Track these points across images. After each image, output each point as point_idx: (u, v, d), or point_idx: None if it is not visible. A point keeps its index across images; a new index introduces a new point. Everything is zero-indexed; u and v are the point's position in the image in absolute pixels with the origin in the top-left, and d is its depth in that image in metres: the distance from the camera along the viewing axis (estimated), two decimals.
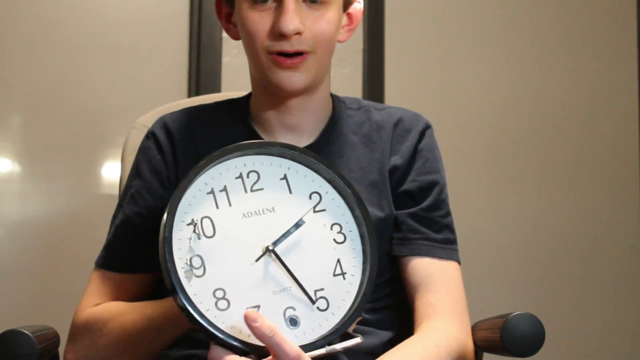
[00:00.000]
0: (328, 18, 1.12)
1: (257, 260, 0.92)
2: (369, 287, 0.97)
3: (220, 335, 0.87)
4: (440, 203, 1.22)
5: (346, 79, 2.36)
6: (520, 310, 1.09)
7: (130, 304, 1.14)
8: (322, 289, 0.95)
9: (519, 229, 2.52)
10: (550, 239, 2.53)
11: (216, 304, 0.88)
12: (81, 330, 1.16)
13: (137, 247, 1.17)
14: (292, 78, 1.12)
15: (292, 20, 1.08)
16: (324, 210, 0.98)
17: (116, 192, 1.48)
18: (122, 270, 1.19)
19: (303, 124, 1.21)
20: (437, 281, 1.16)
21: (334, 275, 0.96)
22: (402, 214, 1.20)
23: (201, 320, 0.87)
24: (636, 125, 2.64)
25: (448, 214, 1.23)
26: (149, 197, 1.18)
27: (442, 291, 1.16)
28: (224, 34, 2.28)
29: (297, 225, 0.95)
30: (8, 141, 2.15)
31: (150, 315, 1.09)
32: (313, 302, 0.93)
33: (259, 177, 0.95)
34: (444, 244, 1.20)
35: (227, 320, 0.88)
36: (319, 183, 0.99)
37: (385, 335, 1.18)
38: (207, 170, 0.94)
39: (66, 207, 2.15)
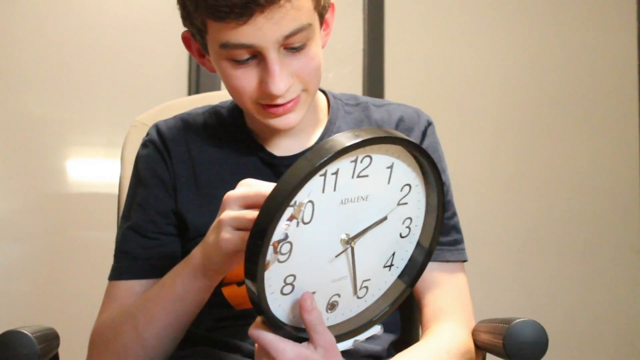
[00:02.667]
0: (313, 55, 1.05)
1: (337, 256, 0.88)
2: (398, 286, 0.95)
3: (272, 314, 0.85)
4: (447, 204, 1.20)
5: (346, 79, 2.36)
6: (520, 311, 1.08)
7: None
8: (369, 279, 0.93)
9: (519, 229, 2.52)
10: (550, 239, 2.53)
11: (282, 288, 0.86)
12: (96, 340, 1.14)
13: (149, 253, 1.16)
14: (287, 120, 1.08)
15: (280, 81, 1.01)
16: (406, 203, 0.93)
17: (116, 191, 1.48)
18: (135, 277, 1.15)
19: (300, 129, 1.18)
20: (445, 285, 1.16)
21: (384, 266, 0.94)
22: None
23: (262, 301, 0.84)
24: (636, 126, 2.64)
25: (454, 214, 1.22)
26: (156, 203, 1.17)
27: (450, 295, 1.16)
28: None
29: (380, 222, 0.90)
30: (7, 139, 2.15)
31: (146, 296, 1.07)
32: (355, 293, 0.92)
33: (370, 163, 0.87)
34: (451, 245, 1.19)
35: (283, 303, 0.86)
36: (415, 175, 0.92)
37: (389, 338, 1.17)
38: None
39: (65, 206, 2.14)
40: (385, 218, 0.90)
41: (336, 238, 0.88)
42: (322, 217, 0.85)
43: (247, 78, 1.04)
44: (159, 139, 1.20)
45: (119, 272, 1.17)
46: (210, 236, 0.95)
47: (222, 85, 2.26)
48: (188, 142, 1.20)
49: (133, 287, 1.15)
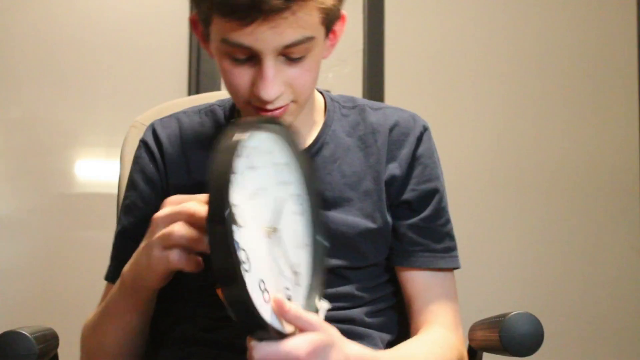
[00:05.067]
0: (309, 68, 1.05)
1: (272, 241, 0.90)
2: (321, 260, 0.97)
3: (275, 326, 0.85)
4: (440, 211, 1.20)
5: (346, 79, 2.36)
6: (519, 310, 1.08)
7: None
8: (299, 264, 0.95)
9: (519, 229, 2.52)
10: (550, 239, 2.53)
11: (263, 296, 0.86)
12: (81, 343, 1.17)
13: None
14: None
15: (272, 87, 1.01)
16: (291, 183, 0.96)
17: (115, 191, 1.48)
18: None
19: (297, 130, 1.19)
20: (437, 292, 1.17)
21: (297, 247, 0.95)
22: (402, 225, 1.18)
23: (261, 314, 0.83)
24: (636, 126, 2.64)
25: (448, 221, 1.21)
26: (144, 207, 1.17)
27: (442, 302, 1.16)
28: None
29: (284, 200, 0.93)
30: (8, 139, 2.15)
31: (100, 310, 1.10)
32: (295, 278, 0.93)
33: (256, 155, 0.91)
34: (444, 253, 1.19)
35: (268, 311, 0.86)
36: (289, 155, 0.97)
37: (385, 338, 1.17)
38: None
39: (65, 206, 2.15)
40: (285, 200, 0.93)
41: (264, 231, 0.89)
42: (247, 216, 0.87)
43: (242, 77, 1.04)
44: (153, 139, 1.21)
45: (109, 274, 1.20)
46: (141, 258, 0.97)
47: (222, 86, 2.26)
48: (183, 142, 1.20)
49: None
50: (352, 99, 1.26)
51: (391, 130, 1.21)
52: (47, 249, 2.12)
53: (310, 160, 0.99)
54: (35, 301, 2.10)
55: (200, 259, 0.92)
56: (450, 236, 1.21)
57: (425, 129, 1.23)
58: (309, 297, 0.94)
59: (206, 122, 1.23)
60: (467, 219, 2.43)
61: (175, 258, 0.92)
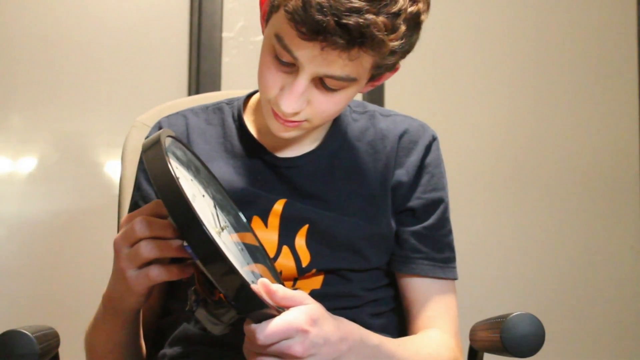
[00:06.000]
0: (338, 102, 1.06)
1: (234, 242, 0.94)
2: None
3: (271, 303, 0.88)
4: (444, 221, 1.21)
5: None
6: (520, 310, 1.09)
7: None
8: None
9: (519, 229, 2.52)
10: (550, 239, 2.53)
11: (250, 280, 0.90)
12: (84, 344, 1.18)
13: None
14: (285, 132, 1.09)
15: (293, 102, 1.02)
16: (209, 185, 1.03)
17: (116, 192, 1.48)
18: None
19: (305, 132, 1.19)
20: (436, 300, 1.18)
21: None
22: (405, 231, 1.19)
23: (259, 295, 0.85)
24: (636, 126, 2.64)
25: (450, 232, 1.22)
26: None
27: (440, 310, 1.18)
28: (224, 34, 2.28)
29: (209, 204, 0.97)
30: (8, 141, 2.15)
31: (92, 322, 1.12)
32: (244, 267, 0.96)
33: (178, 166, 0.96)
34: (444, 263, 1.20)
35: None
36: (194, 161, 1.03)
37: None
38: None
39: (66, 207, 2.15)
40: (203, 196, 0.98)
41: (217, 235, 0.91)
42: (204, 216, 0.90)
43: (274, 78, 1.04)
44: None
45: None
46: (117, 284, 0.98)
47: (222, 86, 2.26)
48: (189, 139, 1.20)
49: None
50: (362, 104, 1.27)
51: (401, 137, 1.22)
52: (48, 249, 2.12)
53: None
54: (36, 301, 2.10)
55: (177, 266, 0.93)
56: (450, 248, 1.22)
57: (434, 139, 1.24)
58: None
59: (213, 119, 1.23)
60: (468, 220, 2.43)
61: (155, 273, 0.92)
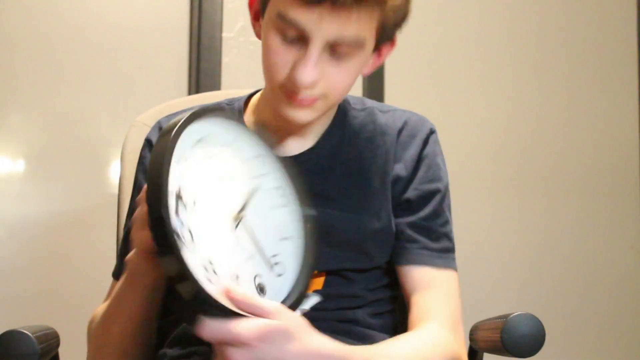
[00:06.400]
0: (349, 70, 1.07)
1: (236, 227, 0.90)
2: (310, 251, 0.96)
3: (224, 305, 0.84)
4: (440, 211, 1.20)
5: None
6: (520, 310, 1.08)
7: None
8: (277, 255, 0.94)
9: (520, 230, 2.52)
10: (550, 239, 2.53)
11: (207, 277, 0.85)
12: (88, 337, 1.17)
13: None
14: (298, 114, 1.08)
15: (310, 73, 1.02)
16: (268, 173, 0.97)
17: (116, 191, 1.48)
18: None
19: (307, 127, 1.18)
20: (434, 289, 1.16)
21: (281, 239, 0.95)
22: (401, 222, 1.19)
23: (200, 286, 0.83)
24: (636, 126, 2.64)
25: (447, 222, 1.21)
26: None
27: (439, 299, 1.15)
28: (224, 34, 2.28)
29: (253, 193, 0.93)
30: (8, 141, 2.14)
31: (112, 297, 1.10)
32: (271, 268, 0.93)
33: (215, 141, 0.93)
34: (441, 252, 1.18)
35: (214, 290, 0.85)
36: (262, 147, 0.98)
37: (384, 339, 1.17)
38: (185, 130, 0.89)
39: (66, 207, 2.14)
40: (256, 189, 0.94)
41: (228, 217, 0.90)
42: (204, 199, 0.88)
43: (285, 56, 1.04)
44: (156, 136, 1.21)
45: (115, 271, 1.21)
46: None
47: (222, 86, 2.26)
48: None
49: None
50: (361, 101, 1.27)
51: (400, 132, 1.22)
52: (48, 249, 2.12)
53: (284, 156, 1.01)
54: (36, 301, 2.10)
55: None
56: (448, 237, 1.21)
57: (432, 132, 1.24)
58: (294, 289, 0.93)
59: None
60: (468, 219, 2.43)
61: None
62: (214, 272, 0.86)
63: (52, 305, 2.09)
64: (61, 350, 1.17)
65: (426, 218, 1.19)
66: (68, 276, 2.11)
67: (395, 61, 2.45)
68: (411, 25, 2.53)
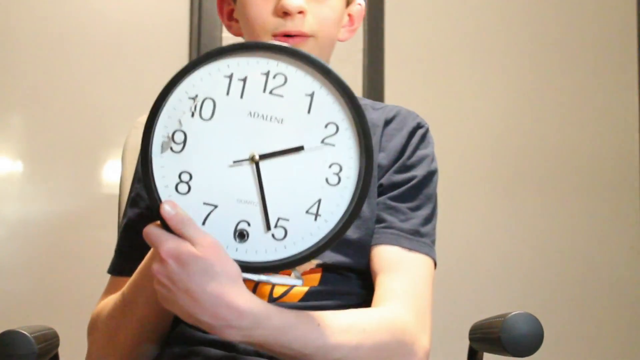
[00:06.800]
0: (332, 5, 1.13)
1: (235, 162, 0.86)
2: (334, 239, 0.89)
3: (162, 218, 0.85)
4: (413, 195, 1.16)
5: (346, 79, 2.36)
6: (519, 310, 1.08)
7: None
8: (287, 220, 0.88)
9: (519, 229, 2.51)
10: (550, 239, 2.53)
11: (177, 185, 0.85)
12: (88, 333, 1.16)
13: (143, 249, 1.16)
14: None
15: None
16: (333, 145, 0.89)
17: (117, 192, 1.48)
18: (130, 273, 1.13)
19: None
20: (400, 270, 1.10)
21: (307, 212, 0.89)
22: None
23: (154, 192, 0.84)
24: (636, 126, 2.64)
25: (420, 207, 1.16)
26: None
27: (405, 281, 1.09)
28: (224, 34, 2.28)
29: (296, 149, 0.87)
30: (8, 141, 2.15)
31: (123, 291, 1.08)
32: (269, 228, 0.88)
33: (285, 82, 0.87)
34: (411, 234, 1.13)
35: (179, 203, 0.85)
36: (343, 115, 0.89)
37: None
38: (236, 55, 0.86)
39: (67, 207, 2.15)
40: (301, 148, 0.87)
41: (242, 151, 0.86)
42: (225, 120, 0.85)
43: (265, 4, 1.10)
44: None
45: (112, 267, 1.21)
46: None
47: None
48: None
49: (120, 282, 1.15)
50: None
51: (387, 123, 1.21)
52: (48, 249, 2.12)
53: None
54: (35, 300, 2.10)
55: None
56: (421, 222, 1.15)
57: (420, 126, 1.22)
58: (282, 262, 0.89)
59: None
60: (467, 219, 2.43)
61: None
62: (188, 185, 0.85)
63: (52, 305, 2.09)
64: (61, 350, 1.17)
65: (394, 198, 1.16)
66: (68, 276, 2.11)
67: (395, 61, 2.45)
68: (411, 25, 2.53)
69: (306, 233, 0.89)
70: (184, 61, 2.26)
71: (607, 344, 2.54)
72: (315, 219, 0.89)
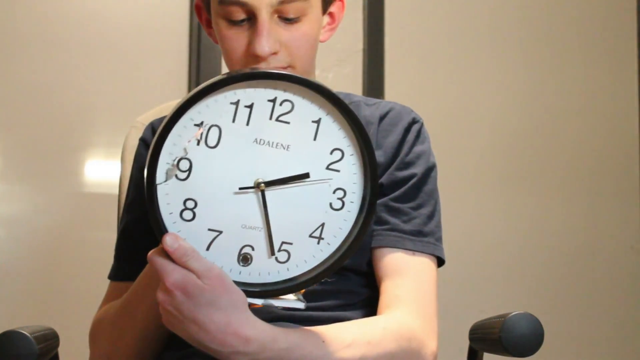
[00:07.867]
0: (304, 32, 1.08)
1: (241, 189, 0.87)
2: (337, 262, 0.91)
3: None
4: (414, 194, 1.16)
5: (346, 79, 2.36)
6: (520, 310, 1.08)
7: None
8: (291, 243, 0.90)
9: (520, 229, 2.52)
10: (550, 239, 2.53)
11: (182, 212, 0.86)
12: (90, 339, 1.16)
13: (141, 254, 1.16)
14: None
15: (266, 42, 1.04)
16: (337, 171, 0.90)
17: (116, 192, 1.48)
18: (129, 278, 1.15)
19: None
20: (404, 275, 1.10)
21: (310, 236, 0.90)
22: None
23: (158, 221, 0.85)
24: (636, 126, 2.64)
25: (422, 206, 1.16)
26: (142, 203, 1.17)
27: (410, 285, 1.09)
28: None
29: (302, 176, 0.88)
30: (7, 141, 2.15)
31: (125, 299, 1.08)
32: (273, 253, 0.89)
33: (292, 109, 0.87)
34: (414, 235, 1.13)
35: (184, 230, 0.86)
36: (348, 142, 0.90)
37: None
38: (242, 83, 0.86)
39: (66, 207, 2.15)
40: (307, 175, 0.88)
41: (247, 178, 0.87)
42: (230, 147, 0.86)
43: (238, 39, 1.06)
44: (151, 136, 1.21)
45: (112, 273, 1.21)
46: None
47: None
48: None
49: (120, 288, 1.16)
50: (348, 96, 1.26)
51: (381, 119, 1.20)
52: (48, 249, 2.12)
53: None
54: (35, 301, 2.10)
55: None
56: (424, 221, 1.15)
57: (415, 121, 1.21)
58: (287, 284, 0.90)
59: None
60: (467, 218, 2.43)
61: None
62: (193, 212, 0.86)
63: (52, 305, 2.09)
64: (61, 350, 1.17)
65: (395, 199, 1.15)
66: (68, 276, 2.11)
67: (395, 60, 2.45)
68: (411, 24, 2.53)
69: (309, 256, 0.91)
70: (184, 61, 2.27)
71: (607, 344, 2.54)
72: (318, 242, 0.91)
